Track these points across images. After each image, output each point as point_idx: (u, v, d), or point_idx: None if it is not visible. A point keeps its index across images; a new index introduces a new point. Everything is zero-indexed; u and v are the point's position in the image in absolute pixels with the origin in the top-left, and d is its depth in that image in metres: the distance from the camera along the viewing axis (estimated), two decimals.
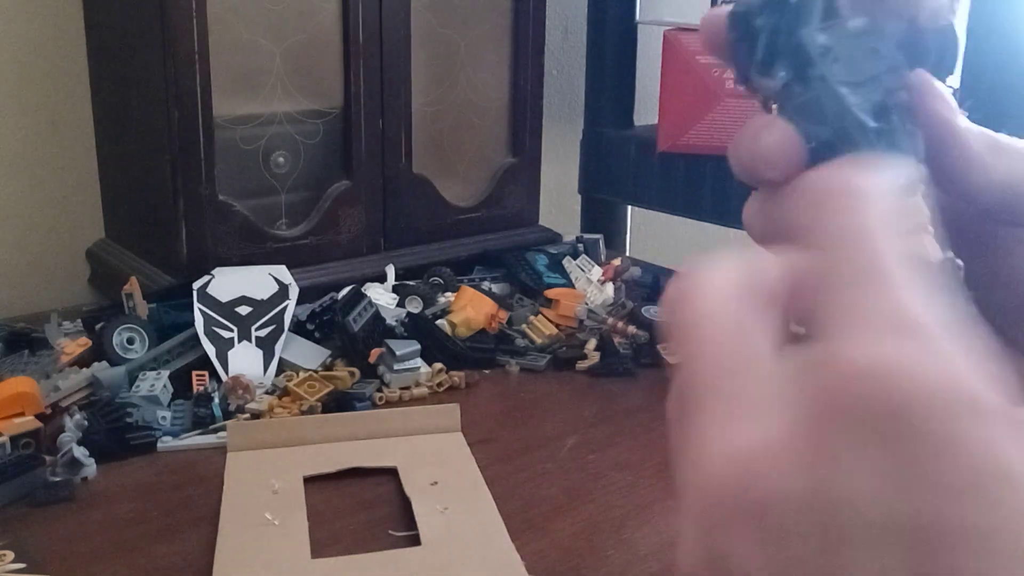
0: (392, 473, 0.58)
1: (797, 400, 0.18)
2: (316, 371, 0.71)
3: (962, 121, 0.29)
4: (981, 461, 0.16)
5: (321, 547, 0.50)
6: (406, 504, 0.55)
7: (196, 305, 0.72)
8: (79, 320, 0.78)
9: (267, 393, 0.68)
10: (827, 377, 0.18)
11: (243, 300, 0.73)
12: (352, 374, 0.70)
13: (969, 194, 0.28)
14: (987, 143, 0.29)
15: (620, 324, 0.80)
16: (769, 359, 0.19)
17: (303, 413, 0.65)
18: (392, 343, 0.71)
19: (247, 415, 0.65)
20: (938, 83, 0.28)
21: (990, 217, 0.29)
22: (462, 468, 0.59)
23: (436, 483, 0.56)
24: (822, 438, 0.17)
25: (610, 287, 0.90)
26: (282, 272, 0.77)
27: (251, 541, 0.50)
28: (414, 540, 0.51)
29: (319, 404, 0.66)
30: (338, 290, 0.79)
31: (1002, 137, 0.30)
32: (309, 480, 0.57)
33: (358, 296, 0.76)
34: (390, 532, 0.53)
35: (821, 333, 0.19)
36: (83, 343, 0.71)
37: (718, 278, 0.21)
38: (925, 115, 0.28)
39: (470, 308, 0.80)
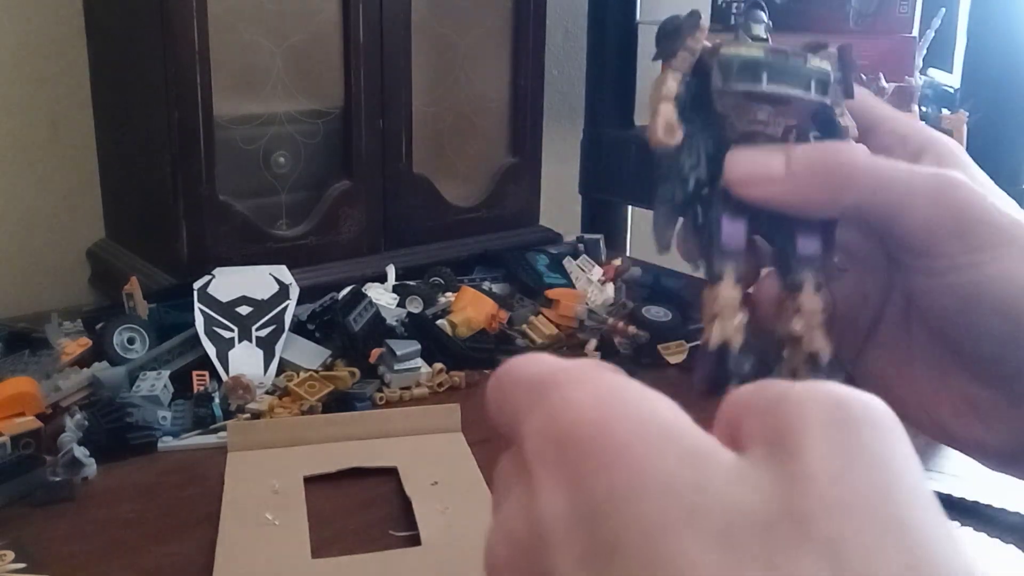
0: (392, 473, 0.58)
1: None
2: (316, 371, 0.71)
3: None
4: None
5: (321, 547, 0.50)
6: (406, 504, 0.55)
7: (196, 305, 0.72)
8: (79, 320, 0.78)
9: (267, 393, 0.68)
10: None
11: (243, 300, 0.73)
12: (352, 374, 0.70)
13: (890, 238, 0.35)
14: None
15: (620, 324, 0.80)
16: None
17: (303, 413, 0.65)
18: (392, 343, 0.71)
19: (247, 415, 0.65)
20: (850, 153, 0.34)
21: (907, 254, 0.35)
22: (462, 468, 0.59)
23: (436, 483, 0.56)
24: None
25: (610, 287, 0.90)
26: (282, 272, 0.77)
27: (251, 541, 0.50)
28: (414, 540, 0.51)
29: (319, 404, 0.66)
30: (338, 290, 0.79)
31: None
32: (309, 480, 0.57)
33: (358, 296, 0.76)
34: (390, 532, 0.53)
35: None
36: (83, 343, 0.71)
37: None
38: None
39: (470, 308, 0.80)
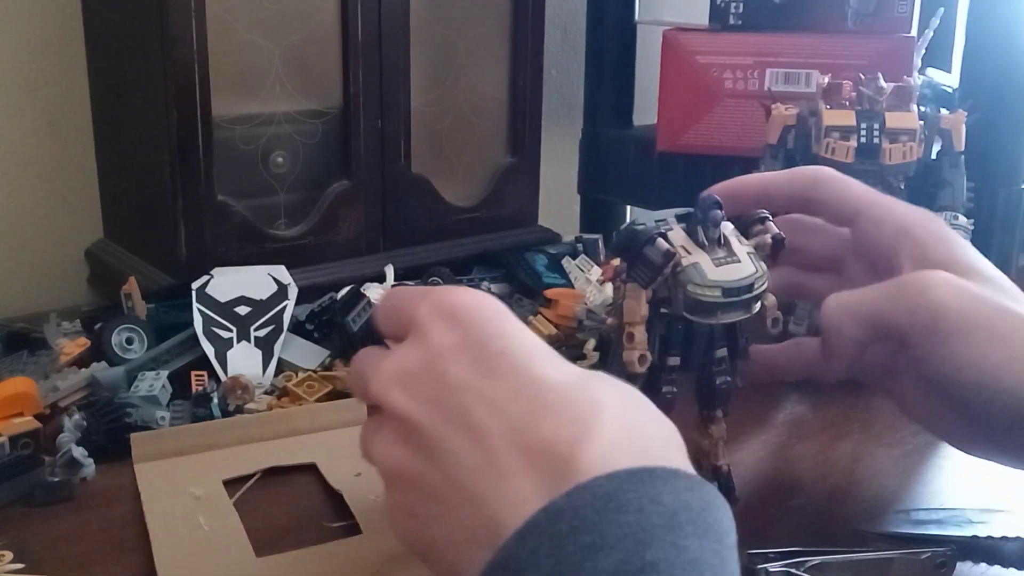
0: (310, 470, 0.58)
1: None
2: (315, 371, 0.71)
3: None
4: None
5: (261, 546, 0.49)
6: (332, 497, 0.55)
7: (195, 305, 0.72)
8: (78, 320, 0.78)
9: (266, 393, 0.68)
10: None
11: (242, 300, 0.73)
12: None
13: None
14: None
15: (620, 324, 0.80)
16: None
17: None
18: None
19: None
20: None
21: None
22: None
23: (360, 474, 0.56)
24: None
25: (609, 287, 0.90)
26: (281, 272, 0.77)
27: (190, 549, 0.49)
28: (352, 530, 0.51)
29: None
30: (337, 290, 0.79)
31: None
32: (228, 484, 0.56)
33: (357, 296, 0.76)
34: (325, 524, 0.52)
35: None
36: (82, 343, 0.71)
37: None
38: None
39: None
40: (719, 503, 0.30)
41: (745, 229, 0.47)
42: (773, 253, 0.47)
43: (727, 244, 0.45)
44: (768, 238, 0.46)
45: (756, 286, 0.45)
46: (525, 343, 0.34)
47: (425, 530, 0.35)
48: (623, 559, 0.27)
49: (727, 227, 0.46)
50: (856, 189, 0.50)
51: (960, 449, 0.48)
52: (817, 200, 0.51)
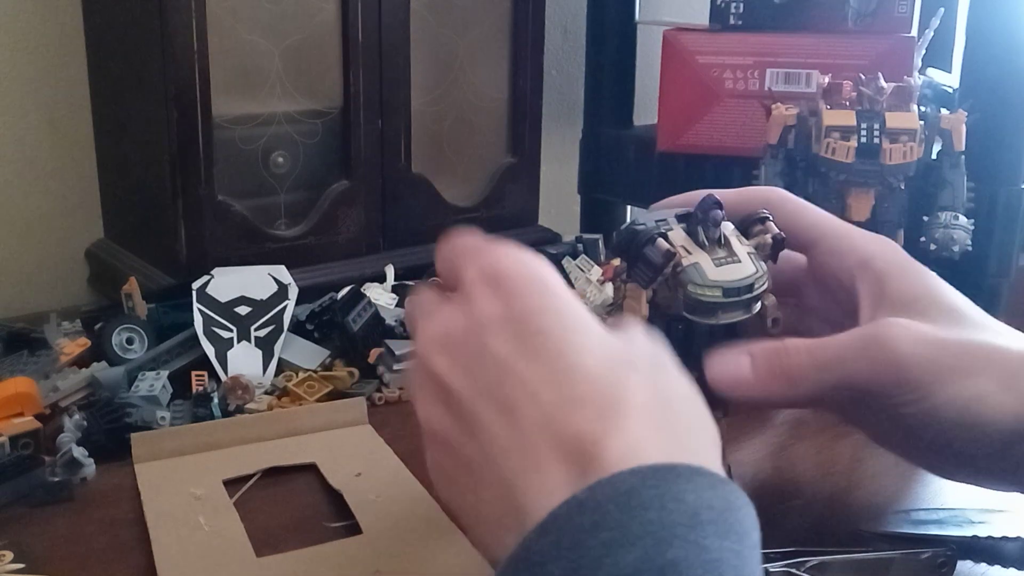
0: (310, 470, 0.58)
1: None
2: (315, 371, 0.71)
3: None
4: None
5: (262, 547, 0.49)
6: (332, 497, 0.55)
7: (195, 305, 0.72)
8: (78, 320, 0.78)
9: (266, 393, 0.68)
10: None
11: (242, 300, 0.73)
12: (351, 374, 0.70)
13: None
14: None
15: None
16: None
17: None
18: (392, 343, 0.71)
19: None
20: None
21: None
22: (381, 458, 0.59)
23: (360, 474, 0.56)
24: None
25: (610, 287, 0.90)
26: (281, 272, 0.77)
27: (190, 549, 0.49)
28: (352, 530, 0.51)
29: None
30: (337, 290, 0.79)
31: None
32: (228, 484, 0.56)
33: (357, 296, 0.76)
34: (325, 524, 0.52)
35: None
36: (82, 343, 0.71)
37: None
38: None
39: None
40: (741, 502, 0.30)
41: (746, 229, 0.47)
42: (773, 253, 0.46)
43: (727, 244, 0.45)
44: (768, 238, 0.46)
45: (756, 286, 0.45)
46: (565, 322, 0.34)
47: (461, 498, 0.36)
48: (643, 556, 0.27)
49: (727, 227, 0.46)
50: (811, 215, 0.49)
51: (943, 477, 0.48)
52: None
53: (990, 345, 0.43)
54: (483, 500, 0.34)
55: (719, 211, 0.45)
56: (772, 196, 0.50)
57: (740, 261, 0.45)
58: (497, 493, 0.33)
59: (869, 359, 0.42)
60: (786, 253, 0.48)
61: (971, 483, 0.47)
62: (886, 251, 0.47)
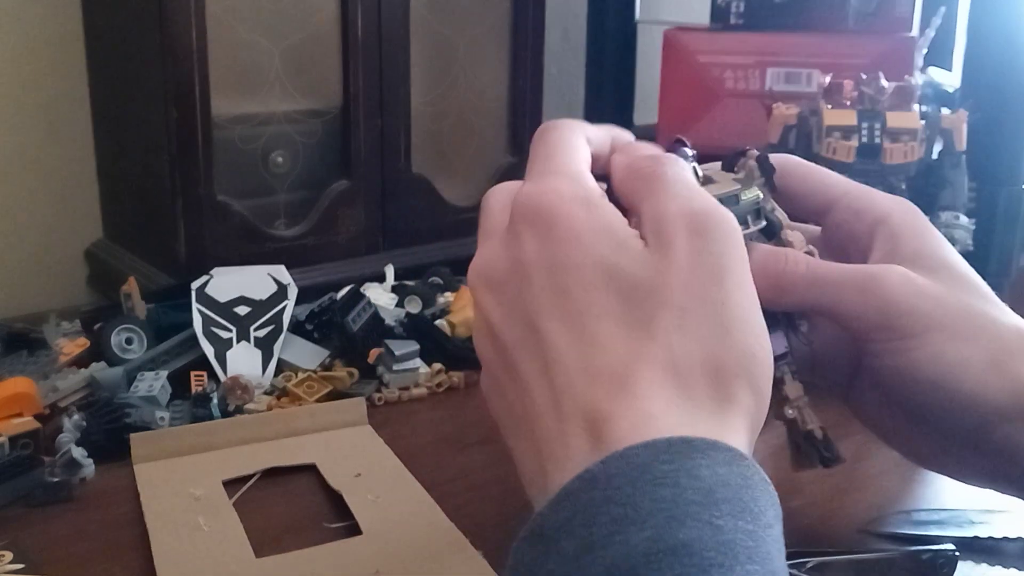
0: (310, 470, 0.58)
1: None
2: (315, 371, 0.71)
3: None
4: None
5: (261, 547, 0.49)
6: (331, 498, 0.55)
7: (194, 305, 0.72)
8: (77, 320, 0.78)
9: (266, 393, 0.68)
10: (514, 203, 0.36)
11: (242, 300, 0.73)
12: (351, 374, 0.70)
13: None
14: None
15: None
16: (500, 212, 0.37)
17: None
18: (391, 343, 0.71)
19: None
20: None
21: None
22: (381, 459, 0.59)
23: (360, 475, 0.56)
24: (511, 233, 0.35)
25: None
26: (281, 272, 0.76)
27: (189, 549, 0.49)
28: (352, 530, 0.51)
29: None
30: (337, 290, 0.79)
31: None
32: (228, 484, 0.56)
33: (357, 296, 0.76)
34: (325, 525, 0.52)
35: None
36: (81, 343, 0.71)
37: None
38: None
39: (470, 308, 0.79)
40: (758, 479, 0.29)
41: (731, 168, 0.44)
42: (767, 178, 0.44)
43: (708, 180, 0.43)
44: (752, 160, 0.44)
45: (743, 198, 0.42)
46: (596, 279, 0.33)
47: (506, 436, 0.36)
48: (655, 536, 0.26)
49: (712, 166, 0.44)
50: (830, 176, 0.47)
51: (921, 464, 0.47)
52: (783, 190, 0.47)
53: (988, 316, 0.41)
54: (522, 449, 0.34)
55: (686, 148, 0.42)
56: (788, 161, 0.48)
57: (717, 182, 0.43)
58: (530, 450, 0.33)
59: (862, 294, 0.41)
60: (798, 225, 0.46)
61: (947, 473, 0.46)
62: (905, 210, 0.45)
